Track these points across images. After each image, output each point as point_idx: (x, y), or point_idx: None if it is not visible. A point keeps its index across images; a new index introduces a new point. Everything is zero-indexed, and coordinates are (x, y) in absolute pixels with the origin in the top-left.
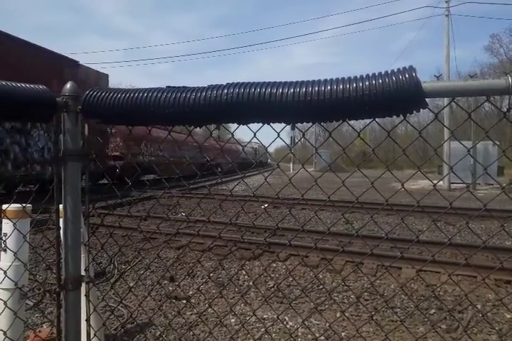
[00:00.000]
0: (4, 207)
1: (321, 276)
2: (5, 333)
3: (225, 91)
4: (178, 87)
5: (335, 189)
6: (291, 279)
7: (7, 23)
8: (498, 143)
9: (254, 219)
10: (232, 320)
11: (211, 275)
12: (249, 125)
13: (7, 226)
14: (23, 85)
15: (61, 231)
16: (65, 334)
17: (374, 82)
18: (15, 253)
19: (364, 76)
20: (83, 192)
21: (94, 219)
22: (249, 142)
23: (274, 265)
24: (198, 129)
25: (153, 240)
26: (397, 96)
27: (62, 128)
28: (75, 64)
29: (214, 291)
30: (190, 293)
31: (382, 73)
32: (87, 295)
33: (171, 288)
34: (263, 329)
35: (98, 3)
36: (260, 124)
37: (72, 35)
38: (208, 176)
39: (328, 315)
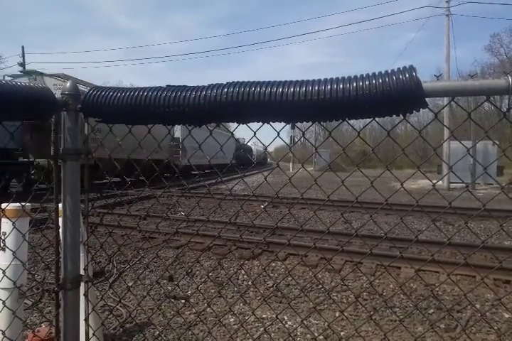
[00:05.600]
0: (3, 206)
1: (320, 276)
2: (3, 333)
3: (225, 90)
4: (178, 86)
5: (334, 188)
6: (290, 279)
7: (8, 23)
8: (497, 142)
9: (254, 219)
10: (231, 320)
11: (210, 274)
12: (249, 124)
13: (6, 225)
14: (22, 84)
15: (60, 231)
16: (63, 333)
17: (374, 81)
18: (14, 253)
19: (364, 75)
20: (82, 191)
21: (93, 218)
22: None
23: (273, 264)
24: None
25: (153, 239)
26: (397, 95)
27: (62, 127)
28: None
29: (213, 291)
30: (189, 292)
31: (383, 73)
32: (85, 295)
33: (169, 288)
34: (262, 329)
35: (99, 2)
36: (260, 123)
37: (73, 34)
38: (207, 175)
39: (327, 315)
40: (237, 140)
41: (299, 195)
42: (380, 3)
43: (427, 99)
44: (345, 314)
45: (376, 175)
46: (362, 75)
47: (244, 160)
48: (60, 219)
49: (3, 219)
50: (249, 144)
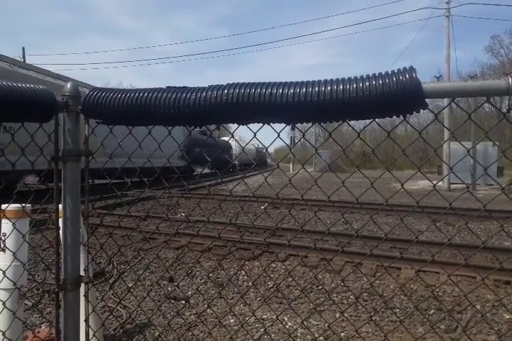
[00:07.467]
0: (4, 206)
1: (320, 277)
2: (4, 333)
3: (226, 91)
4: (179, 87)
5: (335, 189)
6: (290, 279)
7: (9, 23)
8: (497, 143)
9: (254, 220)
10: (232, 321)
11: (210, 275)
12: (249, 125)
13: (6, 226)
14: (22, 85)
15: (60, 231)
16: (63, 334)
17: (374, 82)
18: (14, 253)
19: (364, 76)
20: (83, 192)
21: (94, 219)
22: None
23: (274, 265)
24: None
25: (153, 240)
26: (397, 96)
27: (62, 128)
28: None
29: (213, 291)
30: (190, 293)
31: (383, 74)
32: (86, 296)
33: (170, 289)
34: (262, 330)
35: (99, 2)
36: (260, 124)
37: (73, 34)
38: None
39: (327, 316)
40: (203, 133)
41: (299, 196)
42: (382, 4)
43: (427, 100)
44: (346, 315)
45: (376, 176)
46: (362, 76)
47: (220, 162)
48: (61, 220)
49: (4, 220)
50: (228, 140)
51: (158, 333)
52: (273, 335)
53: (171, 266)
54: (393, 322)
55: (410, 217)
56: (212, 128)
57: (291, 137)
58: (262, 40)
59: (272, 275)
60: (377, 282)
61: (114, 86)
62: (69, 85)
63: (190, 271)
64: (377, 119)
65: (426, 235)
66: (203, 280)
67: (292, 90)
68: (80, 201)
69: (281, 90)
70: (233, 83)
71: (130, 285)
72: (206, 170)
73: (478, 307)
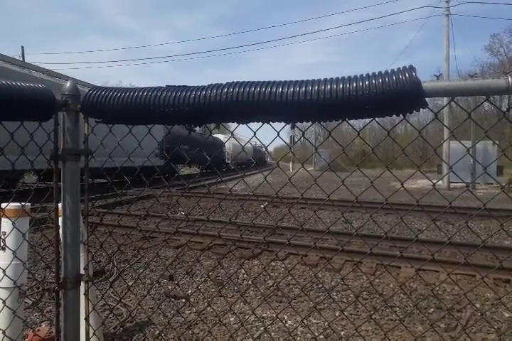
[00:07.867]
0: (3, 205)
1: (320, 275)
2: (4, 332)
3: (225, 90)
4: (178, 86)
5: (334, 188)
6: (290, 278)
7: (10, 23)
8: (497, 142)
9: (254, 218)
10: (232, 319)
11: (210, 274)
12: (249, 124)
13: (6, 225)
14: (22, 84)
15: (60, 230)
16: (64, 333)
17: (374, 81)
18: (14, 252)
19: (364, 75)
20: (82, 191)
21: (93, 217)
22: None
23: (274, 264)
24: None
25: (153, 239)
26: (396, 95)
27: (62, 127)
28: None
29: (213, 290)
30: (190, 291)
31: (382, 72)
32: (86, 294)
33: (170, 287)
34: (262, 328)
35: (99, 3)
36: (260, 123)
37: (72, 34)
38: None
39: (327, 314)
40: (191, 130)
41: (298, 195)
42: (381, 3)
43: (426, 99)
44: (346, 313)
45: (376, 175)
46: (362, 75)
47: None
48: (60, 219)
49: (3, 219)
50: (221, 138)
51: (158, 332)
52: (273, 334)
53: (171, 265)
54: (393, 321)
55: (410, 216)
56: (212, 127)
57: (290, 136)
58: (262, 39)
59: (271, 274)
60: (377, 281)
61: (114, 85)
62: (68, 84)
63: (190, 270)
64: (377, 118)
65: (426, 234)
66: (202, 279)
67: (292, 89)
68: (80, 200)
69: (280, 89)
70: (233, 82)
71: (130, 283)
72: (193, 171)
73: (477, 305)
